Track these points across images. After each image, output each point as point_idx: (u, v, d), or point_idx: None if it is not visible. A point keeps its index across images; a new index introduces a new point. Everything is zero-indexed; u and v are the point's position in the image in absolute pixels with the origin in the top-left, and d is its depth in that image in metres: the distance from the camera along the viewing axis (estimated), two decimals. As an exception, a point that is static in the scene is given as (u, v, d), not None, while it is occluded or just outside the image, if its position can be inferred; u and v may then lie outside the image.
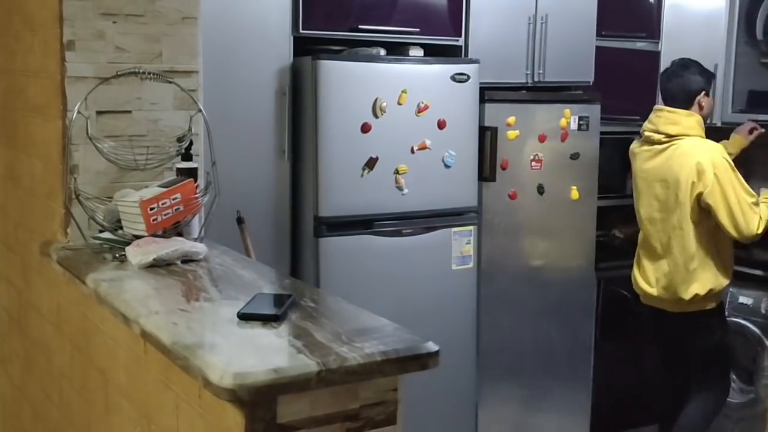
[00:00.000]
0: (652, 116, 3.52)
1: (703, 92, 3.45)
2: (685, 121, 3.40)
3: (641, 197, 3.55)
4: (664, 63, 4.22)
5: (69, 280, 2.18)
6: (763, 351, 3.58)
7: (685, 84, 3.46)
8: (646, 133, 3.50)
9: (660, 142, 3.43)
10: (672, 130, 3.40)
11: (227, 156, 2.78)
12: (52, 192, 2.45)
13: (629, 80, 4.25)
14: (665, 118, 3.44)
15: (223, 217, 2.74)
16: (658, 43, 4.28)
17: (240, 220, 3.02)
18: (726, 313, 3.71)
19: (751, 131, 3.81)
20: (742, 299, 3.70)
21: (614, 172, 4.23)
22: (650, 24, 4.29)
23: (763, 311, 3.62)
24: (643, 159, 3.52)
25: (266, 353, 1.51)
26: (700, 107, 3.45)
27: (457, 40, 3.63)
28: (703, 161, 3.26)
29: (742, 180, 3.29)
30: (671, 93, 3.49)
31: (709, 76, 3.52)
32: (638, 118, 4.26)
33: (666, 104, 3.50)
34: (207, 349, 1.52)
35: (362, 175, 3.27)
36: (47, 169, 2.49)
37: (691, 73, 3.47)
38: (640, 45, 4.27)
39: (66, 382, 2.43)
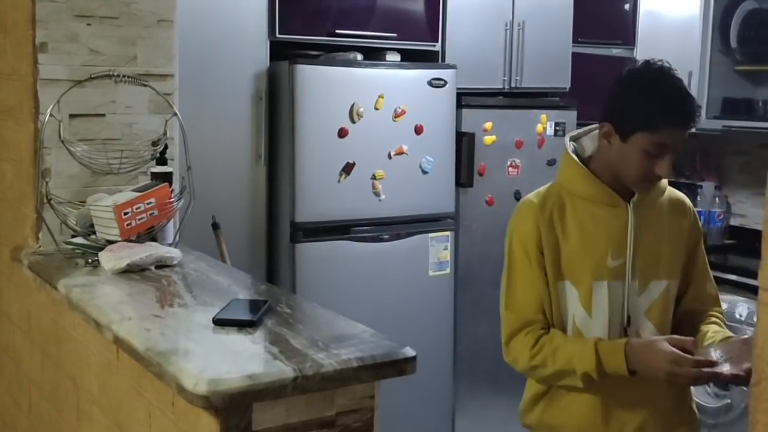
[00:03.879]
0: None
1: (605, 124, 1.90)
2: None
3: None
4: (640, 70, 4.25)
5: (40, 285, 2.15)
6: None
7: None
8: None
9: None
10: None
11: (203, 160, 2.77)
12: (23, 196, 2.41)
13: (605, 86, 4.25)
14: None
15: (198, 223, 2.72)
16: (633, 49, 4.30)
17: (215, 226, 2.99)
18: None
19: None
20: (717, 305, 3.72)
21: (590, 178, 4.25)
22: (626, 31, 4.32)
23: (737, 316, 3.64)
24: None
25: (241, 359, 1.49)
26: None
27: (434, 46, 3.63)
28: None
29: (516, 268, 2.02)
30: None
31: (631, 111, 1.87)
32: (614, 124, 4.31)
33: None
34: (181, 356, 1.50)
35: (339, 181, 3.26)
36: (18, 172, 2.45)
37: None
38: (615, 51, 4.29)
39: (36, 390, 2.39)
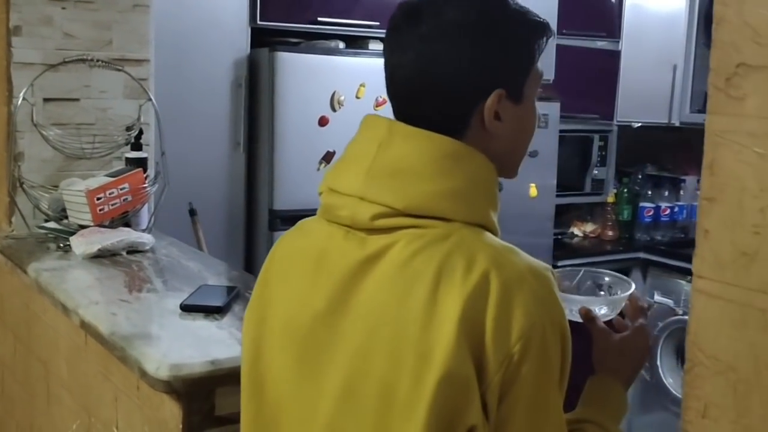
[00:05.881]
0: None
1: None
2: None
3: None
4: (625, 62, 4.25)
5: (11, 269, 2.14)
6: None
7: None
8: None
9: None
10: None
11: (181, 147, 2.75)
12: (-4, 180, 2.39)
13: (589, 79, 4.27)
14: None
15: (175, 209, 2.70)
16: (618, 42, 4.30)
17: (192, 212, 2.97)
18: (681, 311, 3.76)
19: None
20: (696, 298, 3.74)
21: (573, 170, 4.25)
22: (611, 23, 4.31)
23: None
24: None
25: (206, 345, 1.49)
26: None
27: (418, 35, 3.61)
28: None
29: None
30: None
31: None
32: (597, 116, 4.31)
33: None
34: (145, 340, 1.49)
35: (319, 169, 3.24)
36: (-8, 156, 2.44)
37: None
38: (600, 44, 4.29)
39: (8, 373, 2.38)
